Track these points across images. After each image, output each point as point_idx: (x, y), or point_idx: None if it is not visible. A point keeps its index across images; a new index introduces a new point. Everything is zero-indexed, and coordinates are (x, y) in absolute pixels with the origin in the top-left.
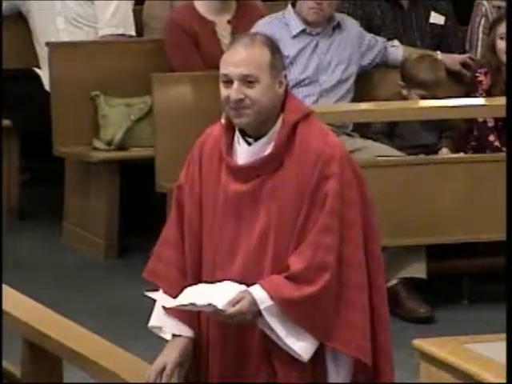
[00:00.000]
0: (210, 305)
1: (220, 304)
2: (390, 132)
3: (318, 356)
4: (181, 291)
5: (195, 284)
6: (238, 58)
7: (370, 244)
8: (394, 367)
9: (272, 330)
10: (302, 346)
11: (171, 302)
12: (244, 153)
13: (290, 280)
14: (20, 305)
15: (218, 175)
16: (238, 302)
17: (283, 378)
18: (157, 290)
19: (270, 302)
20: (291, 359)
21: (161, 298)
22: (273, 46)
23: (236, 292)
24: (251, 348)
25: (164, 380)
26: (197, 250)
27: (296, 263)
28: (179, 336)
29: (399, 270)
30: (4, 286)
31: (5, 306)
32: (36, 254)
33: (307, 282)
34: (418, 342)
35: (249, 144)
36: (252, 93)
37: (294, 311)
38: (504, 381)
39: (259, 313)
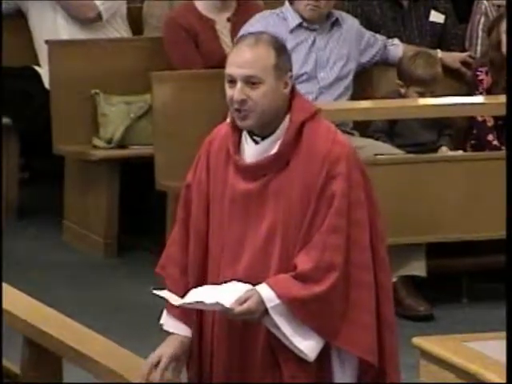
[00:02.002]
0: (217, 303)
1: (228, 303)
2: (389, 130)
3: (324, 356)
4: (182, 290)
5: (196, 282)
6: (242, 59)
7: (376, 246)
8: None
9: (278, 328)
10: (308, 345)
11: (179, 300)
12: (251, 151)
13: (298, 279)
14: (20, 303)
15: (225, 174)
16: (245, 300)
17: (289, 377)
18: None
19: (277, 301)
20: (298, 359)
21: (169, 296)
22: (279, 47)
23: (243, 291)
24: (256, 348)
25: (158, 372)
26: (201, 249)
27: (304, 263)
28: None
29: (399, 268)
30: (4, 285)
31: (5, 305)
32: (36, 253)
33: (315, 282)
34: (417, 340)
35: (256, 143)
36: (254, 94)
37: (302, 310)
38: (503, 379)
39: (266, 312)
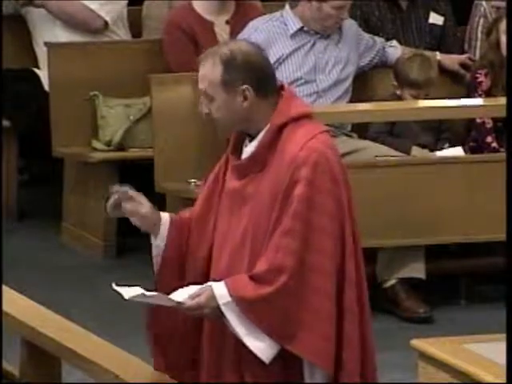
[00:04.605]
0: (159, 295)
1: (178, 297)
2: (390, 130)
3: (292, 357)
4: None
5: (193, 282)
6: (199, 74)
7: (344, 257)
8: (393, 367)
9: (232, 327)
10: (259, 347)
11: (129, 294)
12: (246, 153)
13: (252, 280)
14: (19, 305)
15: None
16: (198, 295)
17: (250, 378)
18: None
19: (228, 299)
20: (259, 360)
21: (121, 290)
22: (229, 61)
23: (200, 287)
24: (226, 347)
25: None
26: (205, 247)
27: (260, 264)
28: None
29: (398, 270)
30: (3, 286)
31: (3, 306)
32: (35, 254)
33: (265, 283)
34: (416, 342)
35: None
36: (211, 108)
37: (251, 310)
38: (503, 381)
39: (220, 309)
